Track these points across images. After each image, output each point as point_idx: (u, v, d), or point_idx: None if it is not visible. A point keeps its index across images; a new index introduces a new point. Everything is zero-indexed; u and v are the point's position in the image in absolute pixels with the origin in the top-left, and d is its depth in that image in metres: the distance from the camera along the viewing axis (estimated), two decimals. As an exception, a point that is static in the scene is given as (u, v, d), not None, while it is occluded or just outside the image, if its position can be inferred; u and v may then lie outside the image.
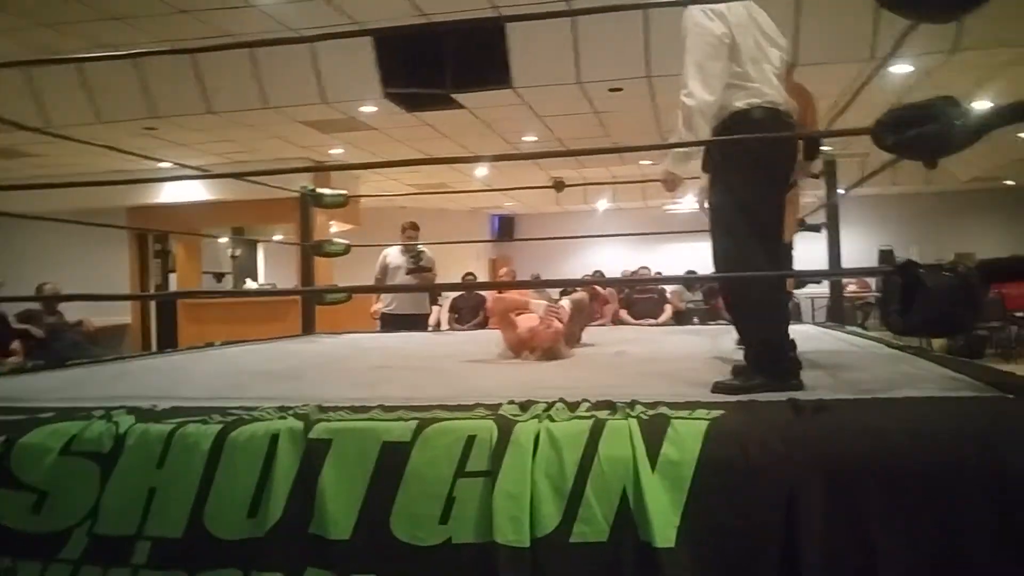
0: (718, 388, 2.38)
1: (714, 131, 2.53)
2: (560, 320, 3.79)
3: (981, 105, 7.69)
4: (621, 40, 7.44)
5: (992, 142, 11.23)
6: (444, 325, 8.07)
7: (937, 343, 8.88)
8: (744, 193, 2.52)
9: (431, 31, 7.52)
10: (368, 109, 8.94)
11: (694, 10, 2.55)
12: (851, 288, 13.62)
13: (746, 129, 2.49)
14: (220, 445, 1.88)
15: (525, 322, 3.78)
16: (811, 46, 7.04)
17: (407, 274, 7.09)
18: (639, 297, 8.67)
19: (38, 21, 6.84)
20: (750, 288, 2.53)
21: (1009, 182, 15.69)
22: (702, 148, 2.67)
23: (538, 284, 4.26)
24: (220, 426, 1.92)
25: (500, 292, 4.03)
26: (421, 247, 7.19)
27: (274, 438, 1.87)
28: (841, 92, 7.89)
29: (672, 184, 2.73)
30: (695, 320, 9.30)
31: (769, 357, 2.46)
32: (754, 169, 2.51)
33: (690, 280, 4.78)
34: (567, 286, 9.58)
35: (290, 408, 2.03)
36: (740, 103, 2.52)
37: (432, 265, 7.19)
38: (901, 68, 7.75)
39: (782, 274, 2.73)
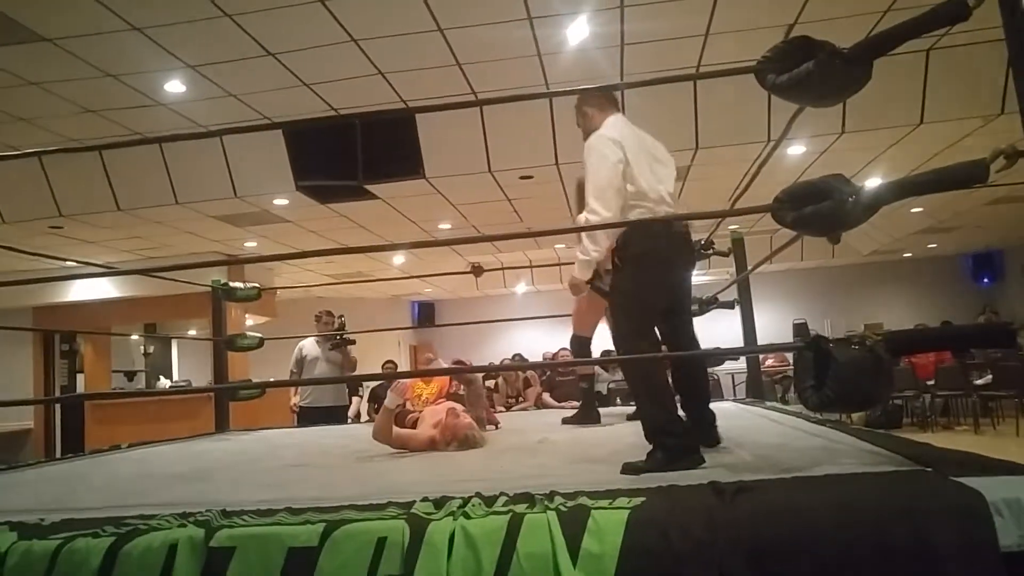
0: (626, 469, 2.48)
1: (616, 243, 2.89)
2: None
3: (872, 182, 8.13)
4: (529, 129, 7.63)
5: (887, 217, 11.81)
6: (364, 416, 7.90)
7: (856, 414, 9.09)
8: (635, 293, 2.85)
9: (342, 123, 7.58)
10: (281, 202, 8.90)
11: (594, 140, 2.95)
12: (769, 363, 13.87)
13: (640, 239, 2.83)
14: (112, 560, 1.76)
15: (430, 418, 3.66)
16: (710, 130, 7.37)
17: (331, 349, 6.96)
18: (561, 379, 8.66)
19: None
20: (641, 371, 2.79)
21: (908, 254, 16.44)
22: (602, 256, 2.99)
23: (460, 370, 4.17)
24: (113, 538, 1.80)
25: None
26: (343, 320, 7.08)
27: (172, 549, 1.77)
28: (744, 172, 8.23)
29: (578, 289, 3.15)
30: (618, 400, 9.31)
31: (662, 435, 2.63)
32: (642, 272, 2.83)
33: (606, 362, 4.80)
34: (489, 371, 9.52)
35: (191, 514, 1.93)
36: (634, 217, 2.87)
37: (354, 340, 7.07)
38: (797, 148, 8.15)
39: (695, 353, 2.79)
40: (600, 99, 3.20)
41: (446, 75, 6.55)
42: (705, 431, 2.95)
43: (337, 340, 6.99)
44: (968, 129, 7.60)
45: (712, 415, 3.03)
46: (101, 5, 5.14)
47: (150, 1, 5.18)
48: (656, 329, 2.94)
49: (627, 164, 2.85)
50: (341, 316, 7.05)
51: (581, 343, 4.88)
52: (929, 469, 1.99)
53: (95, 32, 5.50)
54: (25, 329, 11.41)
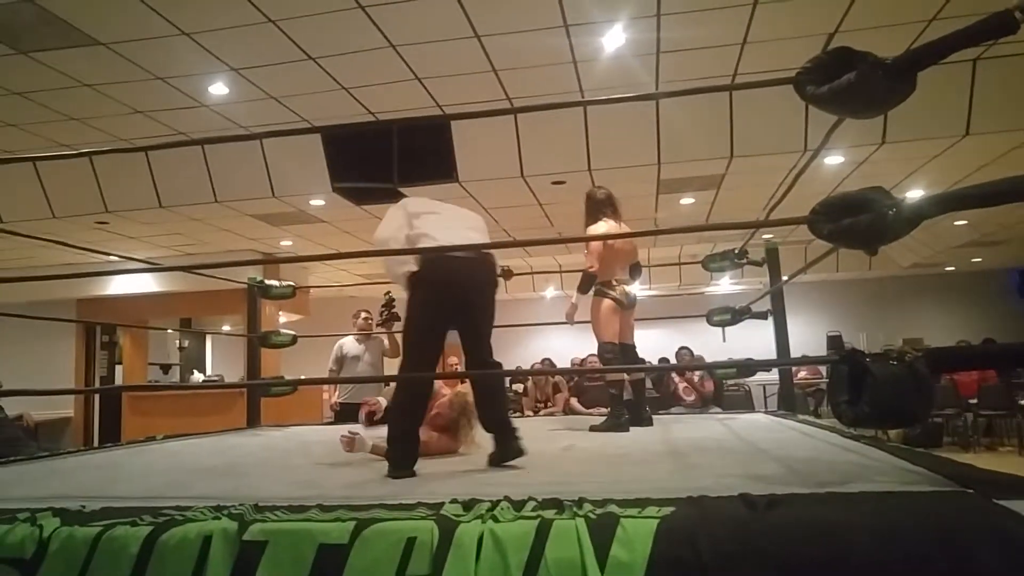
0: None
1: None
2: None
3: (913, 194, 8.01)
4: (563, 136, 7.64)
5: (929, 230, 11.58)
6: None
7: (893, 431, 8.89)
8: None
9: (379, 128, 7.63)
10: (317, 202, 8.99)
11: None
12: (802, 375, 13.66)
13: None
14: (149, 548, 1.79)
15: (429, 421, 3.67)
16: (746, 139, 7.31)
17: (379, 324, 6.95)
18: (590, 385, 8.65)
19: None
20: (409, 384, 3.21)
21: (950, 268, 16.07)
22: None
23: (477, 374, 4.12)
24: (150, 528, 1.84)
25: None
26: (391, 296, 7.04)
27: (207, 540, 1.79)
28: (780, 182, 8.15)
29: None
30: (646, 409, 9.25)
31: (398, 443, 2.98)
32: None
33: (637, 369, 4.75)
34: (517, 375, 9.54)
35: (225, 507, 1.95)
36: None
37: (400, 317, 7.01)
38: (835, 158, 8.02)
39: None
40: None
41: (482, 81, 6.60)
42: (505, 445, 3.11)
43: (385, 316, 6.94)
44: (1016, 141, 7.44)
45: (511, 429, 3.15)
46: (153, 11, 5.27)
47: (199, 6, 5.29)
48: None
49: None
50: (388, 292, 7.01)
51: (609, 349, 4.89)
52: (971, 490, 1.90)
53: (147, 37, 5.63)
54: (69, 320, 11.71)
